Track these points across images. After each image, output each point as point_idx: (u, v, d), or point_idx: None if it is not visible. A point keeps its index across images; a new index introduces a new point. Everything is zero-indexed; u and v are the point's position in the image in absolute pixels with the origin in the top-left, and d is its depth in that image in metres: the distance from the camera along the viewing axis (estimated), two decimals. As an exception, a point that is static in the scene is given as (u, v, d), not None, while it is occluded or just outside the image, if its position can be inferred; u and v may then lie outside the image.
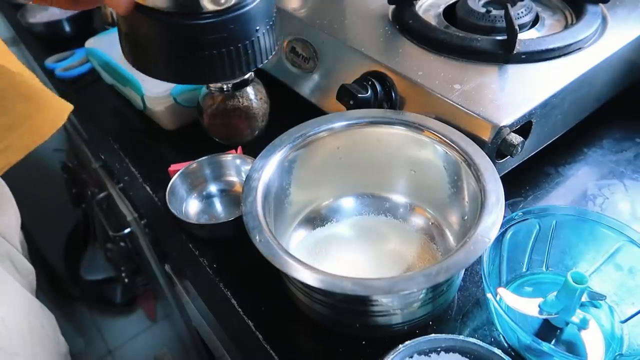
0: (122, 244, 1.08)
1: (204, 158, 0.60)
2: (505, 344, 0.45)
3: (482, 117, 0.47)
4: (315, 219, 0.53)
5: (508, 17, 0.54)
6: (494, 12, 0.59)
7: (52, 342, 0.59)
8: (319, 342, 0.46)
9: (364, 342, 0.45)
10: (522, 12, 0.59)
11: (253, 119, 0.64)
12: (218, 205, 0.60)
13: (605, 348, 0.43)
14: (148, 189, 0.63)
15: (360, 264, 0.49)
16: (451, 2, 0.65)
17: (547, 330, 0.45)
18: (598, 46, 0.55)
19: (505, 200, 0.42)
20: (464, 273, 0.50)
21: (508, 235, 0.46)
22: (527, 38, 0.55)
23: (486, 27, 0.58)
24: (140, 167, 0.67)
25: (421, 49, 0.57)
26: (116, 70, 0.72)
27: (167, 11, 0.32)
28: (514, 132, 0.48)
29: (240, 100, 0.63)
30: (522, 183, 0.58)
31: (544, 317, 0.44)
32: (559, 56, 0.54)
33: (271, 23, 0.35)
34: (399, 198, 0.54)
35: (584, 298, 0.44)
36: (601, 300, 0.45)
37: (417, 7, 0.64)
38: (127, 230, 0.86)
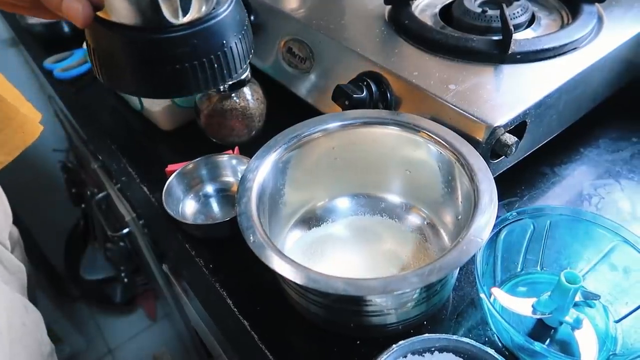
0: (121, 243, 1.08)
1: (200, 158, 0.60)
2: (499, 344, 0.45)
3: (476, 117, 0.47)
4: (311, 220, 0.53)
5: (503, 17, 0.54)
6: (490, 12, 0.59)
7: (33, 341, 0.59)
8: (314, 342, 0.47)
9: (358, 342, 0.45)
10: (518, 12, 0.59)
11: (250, 119, 0.64)
12: (215, 206, 0.60)
13: (599, 347, 0.43)
14: (145, 189, 0.63)
15: (356, 264, 0.49)
16: (447, 2, 0.65)
17: (541, 330, 0.45)
18: (594, 46, 0.55)
19: (501, 200, 0.42)
20: (459, 273, 0.50)
21: (502, 235, 0.47)
22: (522, 38, 0.55)
23: (482, 27, 0.58)
24: (137, 167, 0.67)
25: (417, 49, 0.57)
26: (114, 70, 0.72)
27: (130, 25, 0.32)
28: (508, 132, 0.48)
29: (237, 100, 0.63)
30: (517, 183, 0.58)
31: (538, 316, 0.44)
32: (555, 56, 0.54)
33: (241, 35, 0.35)
34: (394, 198, 0.54)
35: (578, 298, 0.44)
36: (595, 299, 0.45)
37: (413, 7, 0.64)
38: (126, 230, 0.87)
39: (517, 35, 0.57)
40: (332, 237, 0.52)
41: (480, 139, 0.47)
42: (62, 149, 1.21)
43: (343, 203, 0.54)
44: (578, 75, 0.52)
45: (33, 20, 0.98)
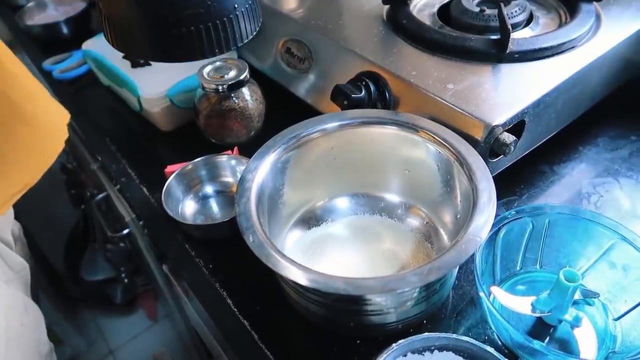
0: (121, 244, 1.08)
1: (199, 159, 0.60)
2: (499, 342, 0.45)
3: (474, 116, 0.48)
4: (310, 219, 0.54)
5: (501, 17, 0.54)
6: (488, 11, 0.59)
7: (31, 340, 0.60)
8: (314, 341, 0.47)
9: (358, 341, 0.46)
10: (516, 11, 0.59)
11: (249, 119, 0.64)
12: (214, 206, 0.60)
13: (598, 345, 0.44)
14: (145, 190, 0.63)
15: (355, 263, 0.50)
16: (445, 1, 0.65)
17: (541, 328, 0.45)
18: (592, 44, 0.56)
19: (500, 199, 0.42)
20: (459, 272, 0.50)
21: (501, 234, 0.47)
22: (520, 37, 0.56)
23: (480, 27, 0.58)
24: (136, 168, 0.67)
25: (415, 49, 0.57)
26: (112, 71, 0.73)
27: None
28: (506, 131, 0.48)
29: (236, 101, 0.63)
30: (516, 182, 0.58)
31: (537, 315, 0.44)
32: (553, 55, 0.54)
33: (250, 2, 0.35)
34: (393, 197, 0.54)
35: (577, 296, 0.44)
36: (594, 297, 0.45)
37: (411, 7, 0.64)
38: (126, 231, 0.87)
39: (515, 34, 0.57)
40: (332, 237, 0.52)
41: (479, 138, 0.48)
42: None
43: (342, 203, 0.55)
44: (576, 74, 0.52)
45: (32, 21, 0.98)
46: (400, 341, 0.39)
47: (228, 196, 0.60)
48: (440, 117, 0.50)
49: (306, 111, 0.58)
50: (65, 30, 0.94)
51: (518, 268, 0.49)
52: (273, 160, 0.48)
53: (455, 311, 0.48)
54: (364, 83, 0.55)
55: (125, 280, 1.22)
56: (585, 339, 0.44)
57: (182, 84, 0.67)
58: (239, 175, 0.60)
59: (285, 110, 0.61)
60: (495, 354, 0.38)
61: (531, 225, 0.48)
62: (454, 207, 0.48)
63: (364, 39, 0.60)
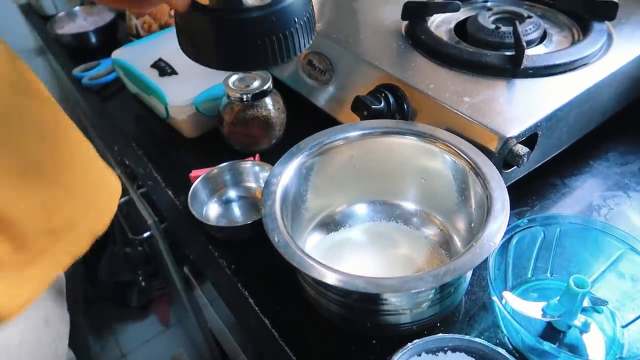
0: (140, 247, 1.11)
1: (224, 164, 0.63)
2: (510, 346, 0.47)
3: (489, 128, 0.50)
4: (330, 224, 0.56)
5: (516, 34, 0.56)
6: (503, 28, 0.61)
7: (46, 355, 0.57)
8: (332, 340, 0.49)
9: (374, 341, 0.48)
10: (530, 29, 0.61)
11: (271, 127, 0.67)
12: (236, 210, 0.63)
13: (606, 351, 0.45)
14: (170, 193, 0.66)
15: (372, 267, 0.52)
16: (462, 18, 0.68)
17: (551, 333, 0.47)
18: (603, 62, 0.58)
19: (513, 209, 0.44)
20: (472, 278, 0.52)
21: (514, 241, 0.49)
22: (534, 54, 0.58)
23: (495, 43, 0.61)
24: (162, 172, 0.70)
25: (432, 63, 0.60)
26: (141, 79, 0.76)
27: (216, 8, 0.36)
28: (520, 143, 0.50)
29: (259, 110, 0.66)
30: (529, 193, 0.60)
31: (547, 319, 0.46)
32: (565, 71, 0.56)
33: (308, 15, 0.38)
34: (410, 205, 0.56)
35: (587, 303, 0.46)
36: (603, 305, 0.47)
37: (429, 22, 0.67)
38: (146, 234, 0.90)
39: (530, 51, 0.60)
40: (350, 242, 0.54)
41: (493, 149, 0.50)
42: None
43: (361, 209, 0.57)
44: (588, 90, 0.54)
45: (62, 30, 1.02)
46: (415, 341, 0.41)
47: (250, 200, 0.63)
48: (456, 128, 0.53)
49: (325, 121, 0.61)
50: (94, 39, 0.99)
51: (529, 275, 0.51)
52: (297, 166, 0.50)
53: (467, 315, 0.50)
54: (383, 95, 0.57)
55: (142, 283, 1.25)
56: (594, 345, 0.45)
57: (208, 93, 0.70)
58: (261, 181, 0.63)
59: (305, 120, 0.64)
60: (507, 355, 0.40)
61: (542, 234, 0.50)
62: (469, 215, 0.51)
63: (383, 52, 0.62)
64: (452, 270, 0.39)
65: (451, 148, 0.50)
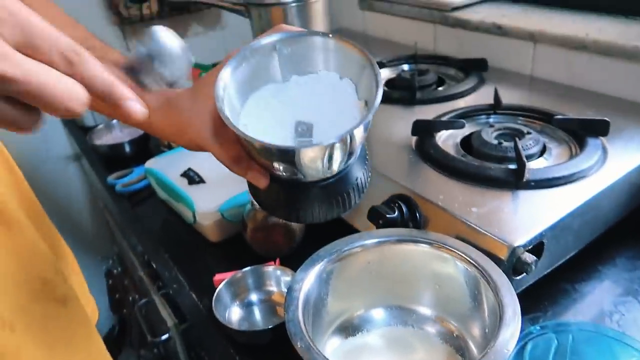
0: (155, 350, 1.11)
1: (248, 269, 0.66)
2: None
3: (498, 237, 0.53)
4: (348, 328, 0.58)
5: (517, 151, 0.62)
6: (505, 143, 0.67)
7: None
8: None
9: None
10: (530, 144, 0.67)
11: (291, 234, 0.71)
12: (257, 313, 0.65)
13: None
14: (194, 296, 0.69)
15: (390, 373, 0.53)
16: (467, 133, 0.74)
17: None
18: (600, 174, 0.62)
19: (526, 315, 0.46)
20: (489, 385, 0.53)
21: (528, 348, 0.50)
22: (535, 167, 0.63)
23: (499, 157, 0.66)
24: (187, 275, 0.73)
25: (441, 175, 0.65)
26: (171, 188, 0.82)
27: (285, 178, 0.41)
28: (527, 251, 0.54)
29: (281, 217, 0.70)
30: (541, 298, 0.62)
31: None
32: (565, 183, 0.60)
33: (365, 167, 0.44)
34: (425, 310, 0.58)
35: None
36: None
37: (437, 137, 0.73)
38: (165, 337, 0.91)
39: (531, 164, 0.65)
40: (368, 347, 0.56)
41: (503, 257, 0.53)
42: (109, 256, 1.29)
43: (378, 313, 0.59)
44: (588, 201, 0.58)
45: (100, 141, 1.12)
46: None
47: (270, 304, 0.66)
48: (466, 236, 0.56)
49: (342, 228, 0.65)
50: (128, 149, 1.07)
51: (547, 383, 0.52)
52: (318, 272, 0.53)
53: None
54: (397, 205, 0.62)
55: (154, 388, 1.22)
56: None
57: (233, 200, 0.76)
58: (282, 285, 0.66)
59: (323, 226, 0.68)
60: None
61: (556, 342, 0.51)
62: (482, 321, 0.52)
63: (396, 165, 0.68)
64: (468, 377, 0.41)
65: (462, 256, 0.53)
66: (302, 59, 0.42)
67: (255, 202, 0.46)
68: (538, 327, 0.50)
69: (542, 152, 0.68)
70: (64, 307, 0.55)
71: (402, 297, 0.59)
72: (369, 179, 0.44)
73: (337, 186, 0.41)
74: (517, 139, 0.66)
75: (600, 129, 0.68)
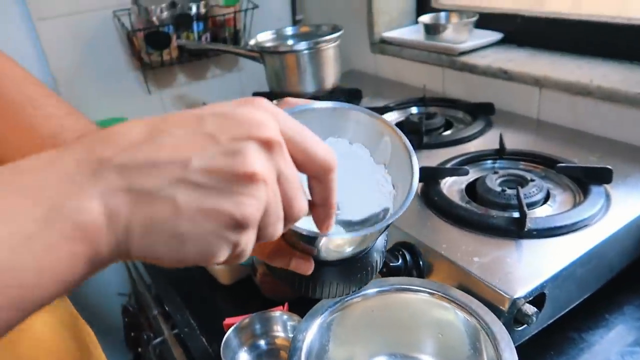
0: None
1: (255, 314, 0.68)
2: None
3: (498, 289, 0.54)
4: (352, 377, 0.59)
5: (519, 200, 0.63)
6: (508, 191, 0.68)
7: None
8: None
9: None
10: (533, 191, 0.68)
11: (299, 278, 0.73)
12: (263, 359, 0.66)
13: None
14: (204, 340, 0.71)
15: (393, 423, 0.53)
16: (472, 179, 0.76)
17: None
18: (603, 223, 0.63)
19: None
20: None
21: (530, 401, 0.50)
22: (538, 216, 0.64)
23: (502, 204, 0.67)
24: (198, 317, 0.75)
25: (445, 222, 0.66)
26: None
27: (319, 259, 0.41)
28: (528, 302, 0.54)
29: (289, 262, 0.72)
30: (548, 348, 0.62)
31: None
32: (568, 232, 0.61)
33: (383, 250, 0.44)
34: (428, 358, 0.59)
35: None
36: None
37: (442, 183, 0.75)
38: (177, 376, 0.92)
39: (534, 212, 0.66)
40: (371, 395, 0.57)
41: (503, 309, 0.54)
42: (126, 292, 1.32)
43: (381, 362, 0.60)
44: (590, 250, 0.59)
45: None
46: None
47: (276, 350, 0.67)
48: (468, 285, 0.57)
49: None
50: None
51: None
52: (320, 322, 0.55)
53: None
54: (400, 252, 0.63)
55: None
56: None
57: (243, 245, 0.78)
58: (288, 330, 0.67)
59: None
60: None
61: (559, 394, 0.51)
62: (484, 372, 0.53)
63: (401, 212, 0.69)
64: None
65: (462, 306, 0.54)
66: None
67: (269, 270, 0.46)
68: (539, 380, 0.51)
69: (547, 198, 0.69)
70: None
71: (405, 345, 0.60)
72: (384, 258, 0.45)
73: (355, 266, 0.42)
74: (519, 187, 0.67)
75: (603, 177, 0.69)
